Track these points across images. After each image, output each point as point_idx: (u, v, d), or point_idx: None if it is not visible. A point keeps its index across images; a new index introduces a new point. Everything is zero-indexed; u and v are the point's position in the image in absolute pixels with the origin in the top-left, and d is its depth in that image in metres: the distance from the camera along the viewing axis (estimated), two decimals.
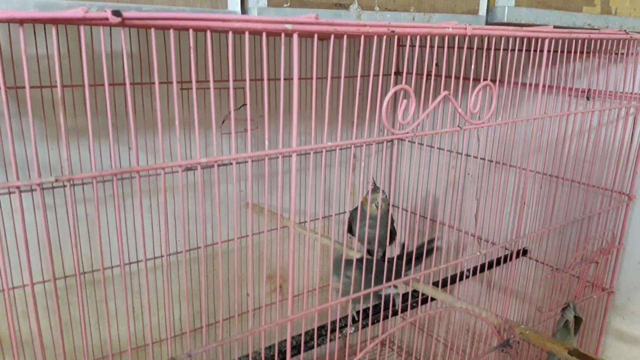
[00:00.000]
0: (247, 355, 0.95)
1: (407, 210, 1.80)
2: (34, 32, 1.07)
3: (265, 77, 0.58)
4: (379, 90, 0.69)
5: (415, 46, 0.67)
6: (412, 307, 1.12)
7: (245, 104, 1.43)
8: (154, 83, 1.18)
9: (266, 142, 0.58)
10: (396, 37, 0.65)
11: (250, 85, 1.39)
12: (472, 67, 0.78)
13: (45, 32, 1.08)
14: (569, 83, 1.29)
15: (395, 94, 0.67)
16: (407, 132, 0.70)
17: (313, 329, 1.07)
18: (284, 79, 0.57)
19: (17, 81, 1.07)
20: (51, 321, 1.19)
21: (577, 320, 1.12)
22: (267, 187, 0.63)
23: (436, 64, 1.44)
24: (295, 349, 1.01)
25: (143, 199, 1.31)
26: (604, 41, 1.03)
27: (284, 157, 0.62)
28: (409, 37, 0.68)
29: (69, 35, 1.11)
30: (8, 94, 1.10)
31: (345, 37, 0.62)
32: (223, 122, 1.32)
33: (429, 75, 0.72)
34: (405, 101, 0.68)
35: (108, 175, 0.47)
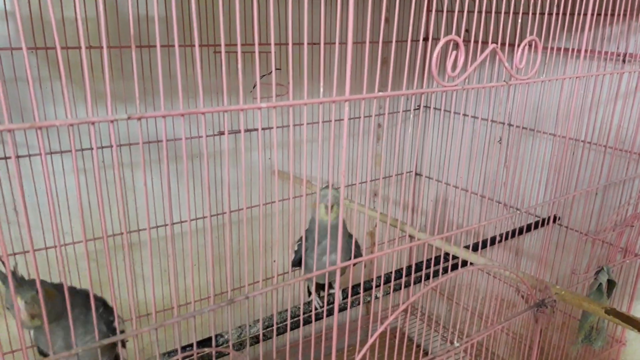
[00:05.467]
0: (271, 316, 0.96)
1: (439, 180, 1.80)
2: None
3: (321, 40, 0.58)
4: (430, 49, 0.69)
5: (454, 11, 0.67)
6: (444, 272, 1.12)
7: (279, 69, 1.44)
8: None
9: (321, 90, 0.59)
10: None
11: (285, 50, 1.39)
12: (518, 26, 0.77)
13: None
14: (606, 47, 1.27)
15: (443, 49, 0.66)
16: (456, 85, 0.70)
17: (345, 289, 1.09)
18: (335, 43, 0.57)
19: (49, 42, 1.09)
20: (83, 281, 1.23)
21: (611, 283, 1.12)
22: (320, 139, 0.63)
23: (466, 30, 1.43)
24: (319, 314, 1.01)
25: (179, 164, 1.33)
26: None
27: (336, 105, 0.62)
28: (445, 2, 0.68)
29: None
30: (39, 54, 1.12)
31: None
32: (254, 86, 1.32)
33: (470, 40, 0.72)
34: (454, 52, 0.67)
35: (177, 115, 0.47)
